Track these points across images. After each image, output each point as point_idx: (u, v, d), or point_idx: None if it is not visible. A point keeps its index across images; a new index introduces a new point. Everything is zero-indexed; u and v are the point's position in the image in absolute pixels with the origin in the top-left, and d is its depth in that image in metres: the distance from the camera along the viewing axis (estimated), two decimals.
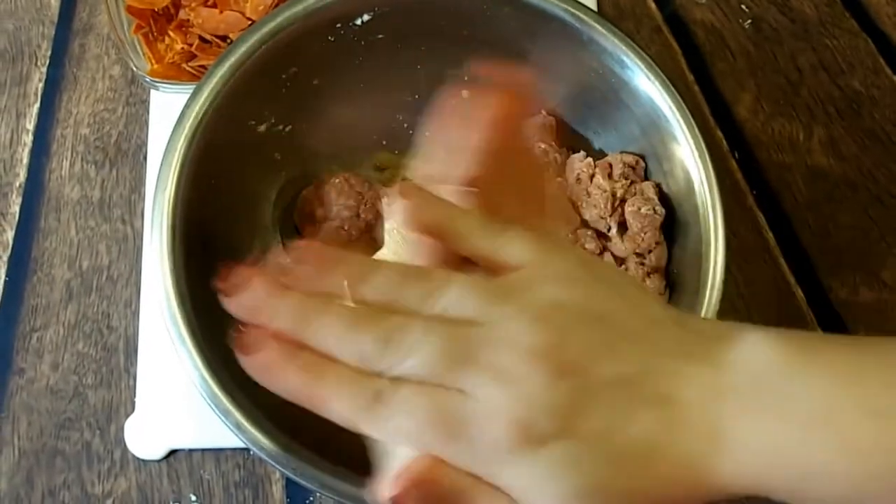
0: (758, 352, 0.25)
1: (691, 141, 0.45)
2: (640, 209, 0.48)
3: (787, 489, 0.24)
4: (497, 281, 0.26)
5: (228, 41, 0.57)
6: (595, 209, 0.50)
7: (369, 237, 0.51)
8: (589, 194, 0.50)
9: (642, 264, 0.49)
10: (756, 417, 0.24)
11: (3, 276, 0.55)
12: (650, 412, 0.24)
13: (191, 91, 0.44)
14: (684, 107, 0.45)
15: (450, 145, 0.31)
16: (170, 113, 0.50)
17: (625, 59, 0.46)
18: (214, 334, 0.41)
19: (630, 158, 0.50)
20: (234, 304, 0.26)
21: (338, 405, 0.25)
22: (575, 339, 0.25)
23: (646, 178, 0.51)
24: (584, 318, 0.25)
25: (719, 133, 0.61)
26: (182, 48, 0.57)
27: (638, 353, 0.25)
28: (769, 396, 0.24)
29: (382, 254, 0.53)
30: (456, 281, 0.26)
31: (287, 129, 0.50)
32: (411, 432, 0.24)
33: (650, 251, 0.49)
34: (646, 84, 0.46)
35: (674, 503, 0.25)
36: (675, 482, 0.24)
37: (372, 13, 0.48)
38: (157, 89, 0.55)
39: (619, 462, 0.24)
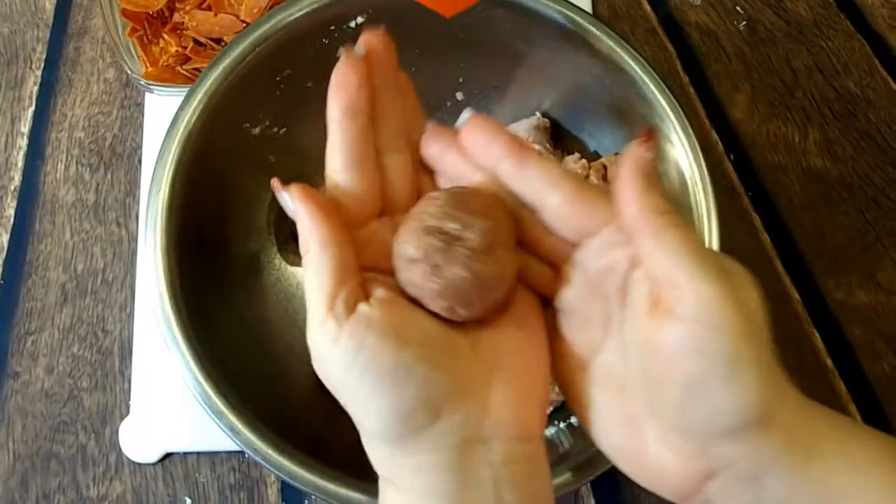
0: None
1: (686, 143, 0.44)
2: None
3: None
4: None
5: (223, 44, 0.57)
6: None
7: None
8: None
9: None
10: None
11: None
12: None
13: (185, 94, 0.44)
14: (679, 108, 0.45)
15: None
16: (164, 116, 0.50)
17: (619, 61, 0.46)
18: (208, 337, 0.41)
19: None
20: None
21: None
22: None
23: None
24: None
25: (714, 135, 0.61)
26: (176, 51, 0.57)
27: None
28: None
29: None
30: None
31: (281, 131, 0.50)
32: None
33: None
34: (641, 86, 0.46)
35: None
36: None
37: (366, 16, 0.48)
38: (152, 92, 0.55)
39: None
